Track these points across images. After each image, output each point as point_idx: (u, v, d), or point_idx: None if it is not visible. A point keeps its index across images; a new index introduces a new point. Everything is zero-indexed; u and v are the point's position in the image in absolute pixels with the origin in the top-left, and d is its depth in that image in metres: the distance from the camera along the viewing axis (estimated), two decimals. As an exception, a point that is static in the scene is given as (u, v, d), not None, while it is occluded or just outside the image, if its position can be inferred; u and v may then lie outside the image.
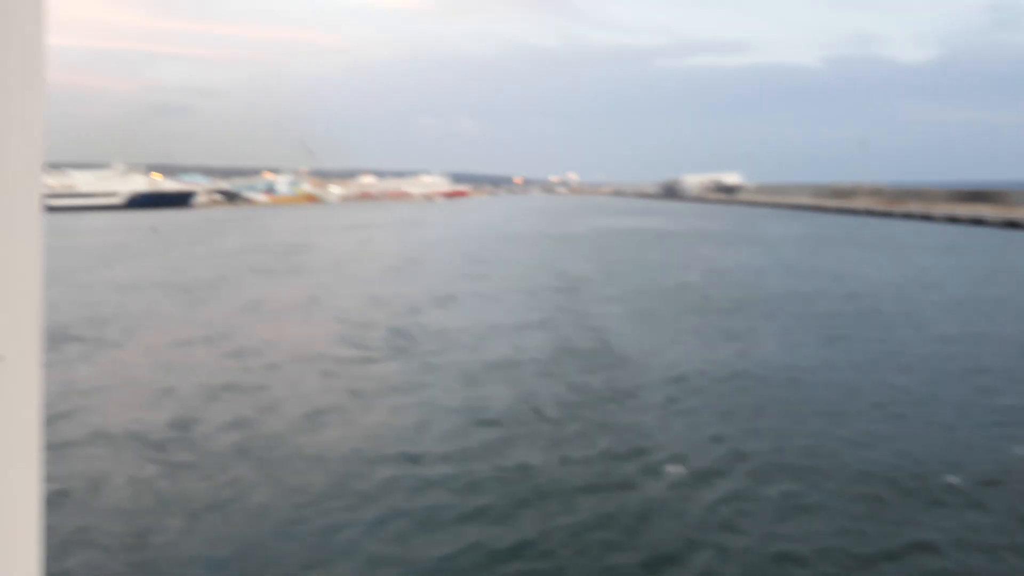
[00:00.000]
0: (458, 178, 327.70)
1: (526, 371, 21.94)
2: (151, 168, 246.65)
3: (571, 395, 19.36)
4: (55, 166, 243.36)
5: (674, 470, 13.96)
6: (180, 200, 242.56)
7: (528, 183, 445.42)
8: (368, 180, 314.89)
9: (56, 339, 26.38)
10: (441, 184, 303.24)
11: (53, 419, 16.98)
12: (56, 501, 12.59)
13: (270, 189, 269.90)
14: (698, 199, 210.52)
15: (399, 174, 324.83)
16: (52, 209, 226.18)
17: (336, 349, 24.67)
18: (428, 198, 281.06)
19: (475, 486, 13.42)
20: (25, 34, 1.21)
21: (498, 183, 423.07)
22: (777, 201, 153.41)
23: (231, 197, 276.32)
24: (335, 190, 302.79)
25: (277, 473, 14.24)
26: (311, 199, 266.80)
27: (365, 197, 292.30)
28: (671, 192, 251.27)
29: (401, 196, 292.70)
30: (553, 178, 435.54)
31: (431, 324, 28.83)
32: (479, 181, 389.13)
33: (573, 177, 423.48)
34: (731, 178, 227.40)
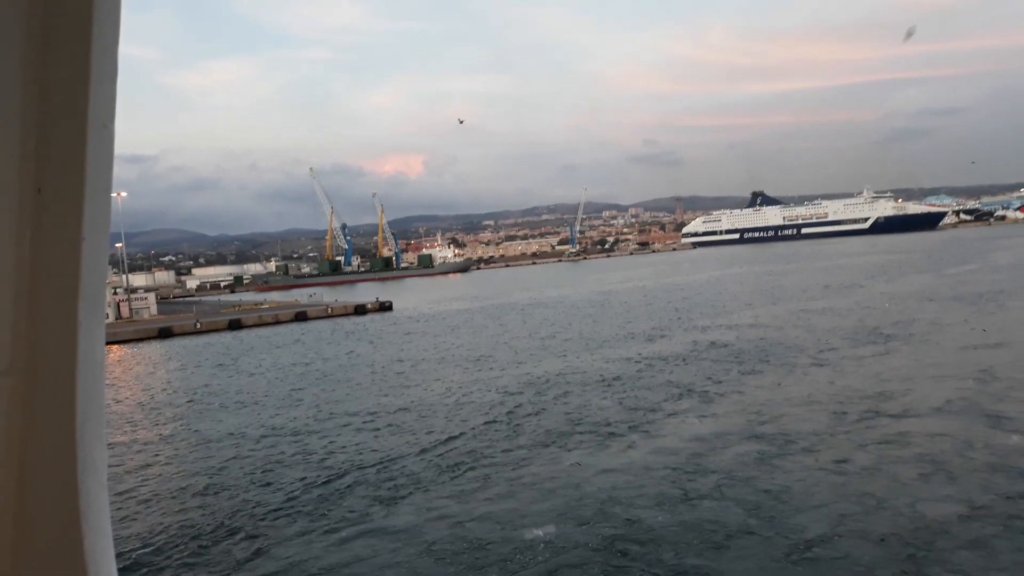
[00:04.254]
0: None
1: None
2: (896, 193, 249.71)
3: None
4: (807, 198, 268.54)
5: None
6: (927, 222, 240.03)
7: None
8: None
9: (874, 338, 32.06)
10: None
11: (889, 396, 21.22)
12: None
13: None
14: None
15: None
16: (806, 236, 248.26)
17: None
18: None
19: None
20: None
21: None
22: None
23: (980, 216, 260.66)
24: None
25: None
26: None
27: None
28: None
29: None
30: None
31: None
32: None
33: None
34: None
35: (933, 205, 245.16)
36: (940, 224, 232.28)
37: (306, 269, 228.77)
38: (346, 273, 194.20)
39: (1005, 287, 47.95)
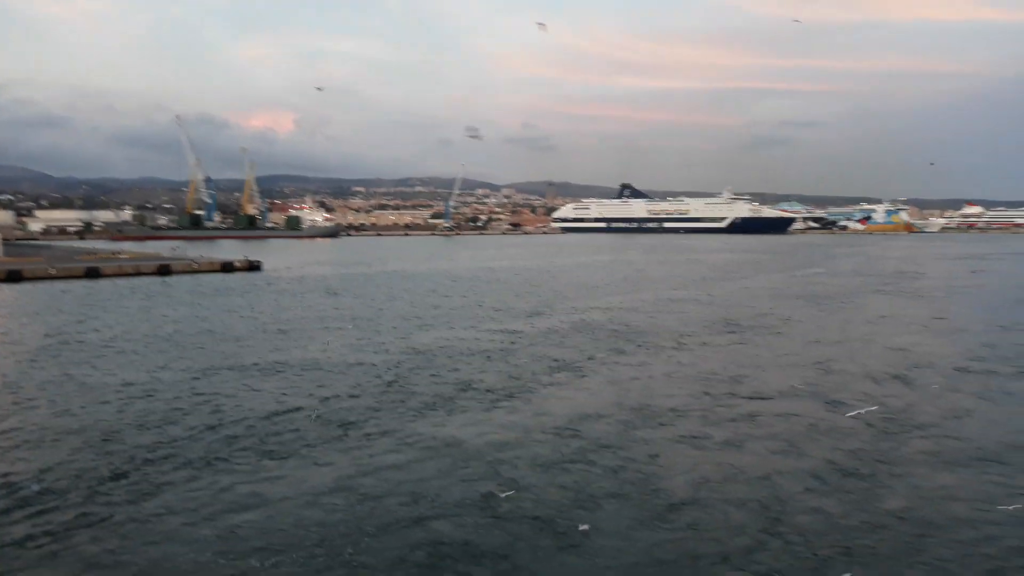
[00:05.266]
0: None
1: None
2: (753, 196, 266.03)
3: None
4: (672, 194, 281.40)
5: None
6: (779, 226, 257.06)
7: None
8: (974, 210, 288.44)
9: (730, 328, 34.35)
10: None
11: (744, 379, 23.25)
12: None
13: (866, 217, 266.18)
14: None
15: (1015, 204, 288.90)
16: (668, 230, 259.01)
17: (975, 363, 26.15)
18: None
19: None
20: None
21: None
22: None
23: (826, 224, 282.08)
24: (936, 220, 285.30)
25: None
26: (908, 228, 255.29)
27: (970, 228, 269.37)
28: None
29: (1013, 227, 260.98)
30: None
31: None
32: None
33: None
34: None
35: (785, 211, 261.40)
36: (790, 229, 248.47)
37: (163, 220, 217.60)
38: (207, 228, 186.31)
39: (846, 290, 52.51)
